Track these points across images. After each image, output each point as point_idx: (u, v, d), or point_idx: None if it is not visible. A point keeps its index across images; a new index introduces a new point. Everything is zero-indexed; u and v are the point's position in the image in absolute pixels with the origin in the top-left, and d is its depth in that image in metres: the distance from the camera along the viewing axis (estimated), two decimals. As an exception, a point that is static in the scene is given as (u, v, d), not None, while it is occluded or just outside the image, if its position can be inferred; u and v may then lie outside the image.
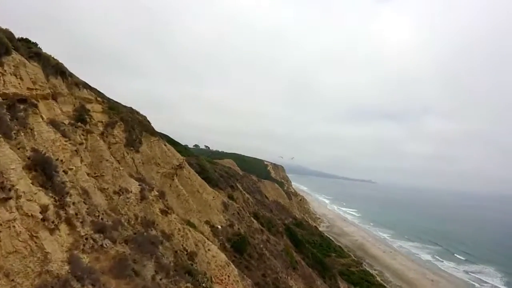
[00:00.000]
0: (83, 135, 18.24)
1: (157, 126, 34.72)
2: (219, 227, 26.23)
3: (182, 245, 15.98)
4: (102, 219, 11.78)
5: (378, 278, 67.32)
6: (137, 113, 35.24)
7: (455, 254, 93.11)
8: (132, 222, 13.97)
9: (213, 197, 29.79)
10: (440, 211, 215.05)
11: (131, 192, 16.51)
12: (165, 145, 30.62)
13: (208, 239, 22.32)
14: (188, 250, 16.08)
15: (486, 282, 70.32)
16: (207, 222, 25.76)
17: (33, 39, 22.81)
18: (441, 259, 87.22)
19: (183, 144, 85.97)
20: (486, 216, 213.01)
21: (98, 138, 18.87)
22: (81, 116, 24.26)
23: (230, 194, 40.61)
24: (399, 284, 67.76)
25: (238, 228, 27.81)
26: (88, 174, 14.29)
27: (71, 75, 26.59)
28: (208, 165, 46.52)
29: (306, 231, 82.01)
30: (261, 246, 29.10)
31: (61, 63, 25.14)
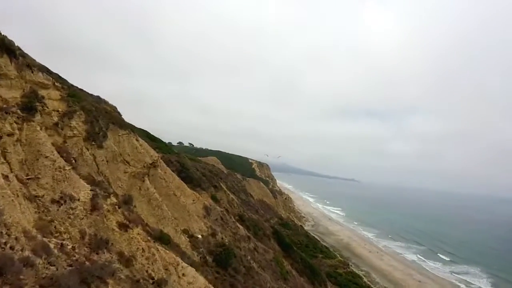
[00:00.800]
0: (16, 123, 13.80)
1: (142, 123, 30.55)
2: (200, 236, 22.27)
3: (147, 271, 12.01)
4: (11, 247, 7.60)
5: (365, 279, 65.56)
6: (105, 102, 30.55)
7: (439, 254, 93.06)
8: (71, 246, 9.85)
9: (193, 201, 25.72)
10: (425, 211, 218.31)
11: (79, 200, 12.31)
12: (137, 140, 26.19)
13: (185, 253, 18.36)
14: (155, 278, 12.12)
15: (472, 284, 69.57)
16: (185, 231, 21.71)
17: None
18: (426, 259, 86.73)
19: (167, 141, 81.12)
20: (472, 217, 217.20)
21: (38, 128, 14.44)
22: (30, 103, 19.74)
23: (213, 195, 36.64)
24: (386, 286, 66.36)
25: (222, 237, 23.92)
26: (7, 177, 10.00)
27: (23, 55, 21.80)
28: (189, 163, 42.26)
29: (292, 231, 79.65)
30: (248, 257, 25.37)
31: (11, 40, 20.31)
